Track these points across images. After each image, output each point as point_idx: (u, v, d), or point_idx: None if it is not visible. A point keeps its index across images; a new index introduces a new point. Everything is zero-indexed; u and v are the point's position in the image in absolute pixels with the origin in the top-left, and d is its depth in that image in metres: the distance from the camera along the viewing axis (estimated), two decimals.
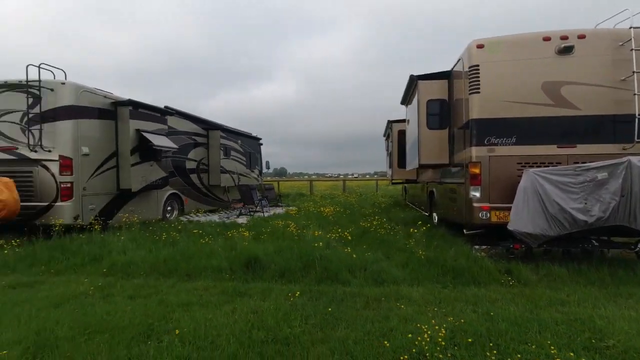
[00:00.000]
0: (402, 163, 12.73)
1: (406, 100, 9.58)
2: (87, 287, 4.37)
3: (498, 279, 4.56)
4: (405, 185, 16.32)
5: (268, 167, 18.90)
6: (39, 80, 7.10)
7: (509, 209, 5.45)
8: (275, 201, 15.11)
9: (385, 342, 2.85)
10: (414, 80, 7.81)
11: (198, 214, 11.90)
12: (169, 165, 10.24)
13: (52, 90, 7.23)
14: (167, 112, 9.91)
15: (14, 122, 7.35)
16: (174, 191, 10.75)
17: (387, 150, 16.77)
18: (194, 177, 12.00)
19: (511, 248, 5.47)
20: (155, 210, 9.85)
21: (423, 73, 7.58)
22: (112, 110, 8.35)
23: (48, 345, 2.85)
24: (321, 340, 2.97)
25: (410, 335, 2.95)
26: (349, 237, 6.58)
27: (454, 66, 6.95)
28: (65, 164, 7.27)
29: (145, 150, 8.91)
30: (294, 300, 3.87)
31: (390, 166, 14.41)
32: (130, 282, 4.65)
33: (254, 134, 16.84)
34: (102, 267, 5.20)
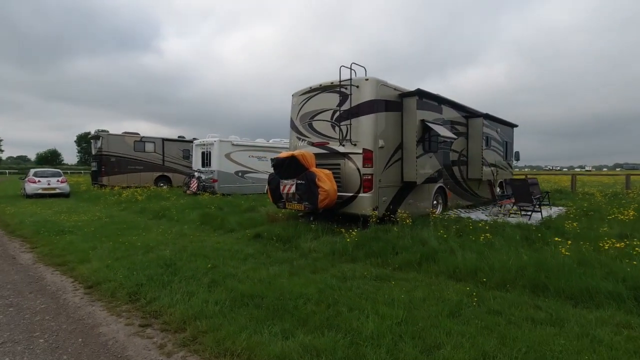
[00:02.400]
0: None
1: None
2: (455, 294, 3.88)
3: None
4: None
5: (518, 159, 16.17)
6: (350, 79, 7.60)
7: None
8: (541, 199, 12.51)
9: None
10: None
11: (460, 209, 10.94)
12: (441, 157, 9.64)
13: (357, 87, 7.65)
14: (443, 100, 9.26)
15: (325, 120, 8.22)
16: (441, 184, 10.12)
17: None
18: (455, 169, 11.09)
19: None
20: (427, 203, 9.44)
21: None
22: (398, 102, 8.29)
23: None
24: None
25: None
26: None
27: None
28: (367, 157, 7.57)
29: (426, 142, 8.55)
30: None
31: None
32: (495, 293, 3.92)
33: (508, 120, 14.53)
34: (440, 268, 4.78)
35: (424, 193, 9.29)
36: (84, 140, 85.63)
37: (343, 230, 6.50)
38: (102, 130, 20.76)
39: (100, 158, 19.98)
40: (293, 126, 9.06)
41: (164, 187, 21.32)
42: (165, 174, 22.43)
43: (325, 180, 7.24)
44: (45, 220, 9.15)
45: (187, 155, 23.03)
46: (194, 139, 23.77)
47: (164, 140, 22.45)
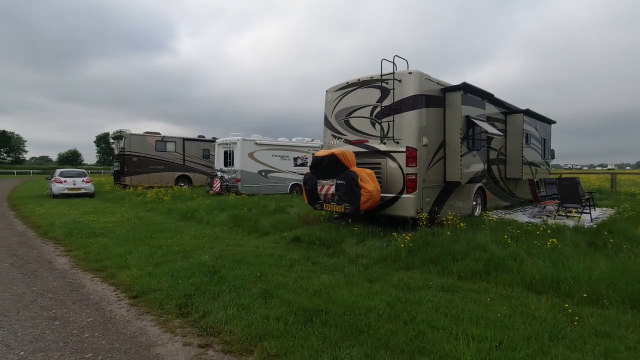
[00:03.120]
0: None
1: None
2: (545, 311, 3.41)
3: None
4: None
5: (553, 157, 15.41)
6: (393, 73, 7.15)
7: None
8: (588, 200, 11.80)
9: None
10: None
11: (499, 211, 10.37)
12: (484, 155, 9.10)
13: (399, 81, 7.20)
14: (486, 94, 8.71)
15: (364, 117, 7.79)
16: (481, 184, 9.58)
17: None
18: (494, 168, 10.51)
19: None
20: (468, 204, 8.93)
21: None
22: (441, 97, 7.80)
23: None
24: None
25: None
26: None
27: None
28: (411, 155, 7.12)
29: (470, 139, 8.05)
30: None
31: None
32: (591, 310, 3.43)
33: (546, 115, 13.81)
34: (513, 278, 4.30)
35: (464, 193, 8.79)
36: (102, 141, 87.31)
37: (395, 234, 6.03)
38: (124, 130, 20.67)
39: (123, 158, 19.97)
40: (327, 123, 8.65)
41: (185, 187, 21.21)
42: (186, 173, 22.29)
43: (368, 180, 6.82)
44: (75, 222, 8.99)
45: (207, 155, 22.89)
46: (214, 138, 23.64)
47: (184, 139, 22.32)
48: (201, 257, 5.42)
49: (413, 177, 7.11)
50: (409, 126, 7.15)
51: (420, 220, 6.55)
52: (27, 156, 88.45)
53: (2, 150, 79.00)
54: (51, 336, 3.06)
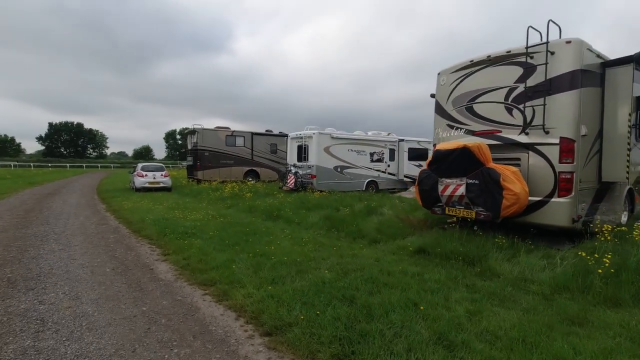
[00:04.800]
0: None
1: None
2: None
3: None
4: None
5: None
6: (547, 42, 5.61)
7: None
8: None
9: None
10: None
11: None
12: None
13: (552, 53, 5.64)
14: None
15: (495, 102, 6.34)
16: (630, 186, 7.61)
17: None
18: None
19: None
20: (619, 210, 7.08)
21: None
22: (599, 74, 6.08)
23: None
24: None
25: None
26: None
27: None
28: (567, 149, 5.56)
29: (637, 128, 6.26)
30: None
31: None
32: None
33: None
34: None
35: (614, 197, 6.97)
36: (170, 137, 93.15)
37: (583, 253, 4.51)
38: (197, 125, 20.83)
39: (196, 153, 20.17)
40: (440, 111, 7.30)
41: (253, 181, 20.90)
42: (254, 168, 22.03)
43: (513, 180, 5.42)
44: (163, 218, 8.64)
45: (275, 150, 22.49)
46: (281, 132, 23.20)
47: (253, 134, 22.05)
48: (320, 273, 4.45)
49: (568, 176, 5.57)
50: (564, 111, 5.59)
51: (600, 232, 4.99)
52: (108, 152, 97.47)
53: (89, 146, 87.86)
54: None
